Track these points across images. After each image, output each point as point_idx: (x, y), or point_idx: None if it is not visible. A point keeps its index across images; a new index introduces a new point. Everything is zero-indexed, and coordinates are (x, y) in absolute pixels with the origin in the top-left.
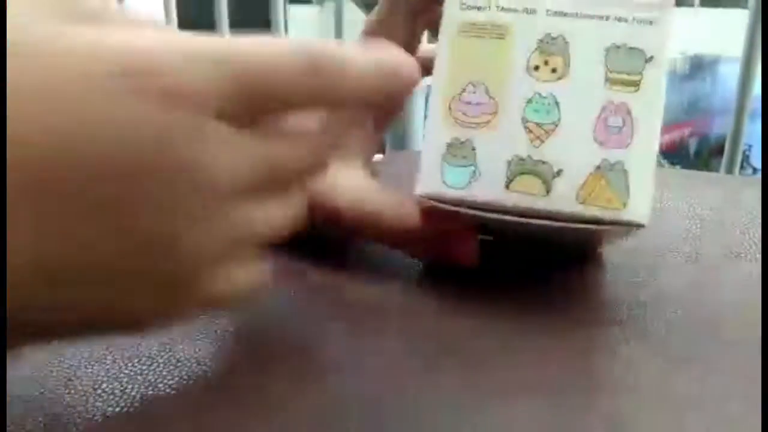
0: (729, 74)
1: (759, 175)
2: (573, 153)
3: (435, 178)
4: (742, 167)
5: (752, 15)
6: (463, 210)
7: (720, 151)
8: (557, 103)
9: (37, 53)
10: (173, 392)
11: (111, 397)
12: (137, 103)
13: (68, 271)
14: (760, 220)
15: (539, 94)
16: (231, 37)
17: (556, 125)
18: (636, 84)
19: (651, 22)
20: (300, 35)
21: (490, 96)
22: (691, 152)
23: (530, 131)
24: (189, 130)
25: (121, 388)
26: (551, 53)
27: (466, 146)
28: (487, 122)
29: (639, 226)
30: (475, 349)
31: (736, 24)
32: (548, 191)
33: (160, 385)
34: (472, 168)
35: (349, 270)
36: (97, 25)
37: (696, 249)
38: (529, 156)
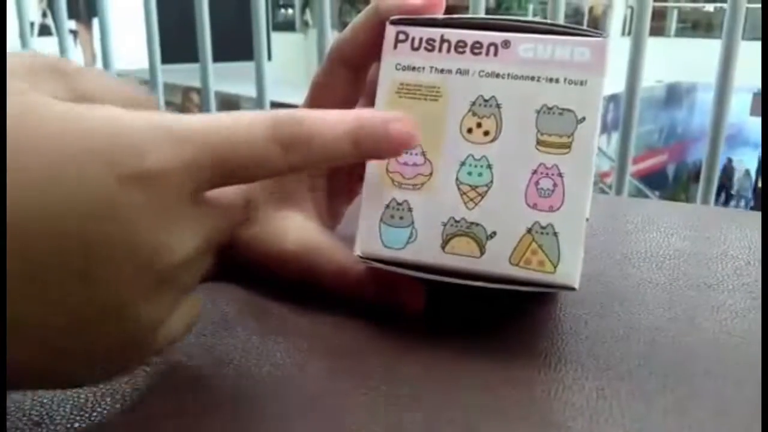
0: (706, 100)
1: (733, 207)
2: (505, 216)
3: (374, 239)
4: (719, 194)
5: (724, 45)
6: (401, 270)
7: (698, 175)
8: (490, 166)
9: (35, 133)
10: None
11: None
12: (119, 185)
13: (41, 327)
14: (732, 252)
15: (472, 157)
16: (202, 114)
17: (489, 188)
18: (567, 146)
19: (582, 83)
20: (284, 63)
21: (426, 158)
22: (670, 177)
23: (464, 194)
24: (160, 210)
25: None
26: (484, 115)
27: (403, 207)
28: (423, 184)
29: (570, 288)
30: (430, 385)
31: (712, 53)
32: (482, 253)
33: None
34: (410, 229)
35: (298, 309)
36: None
37: (670, 280)
38: (463, 218)
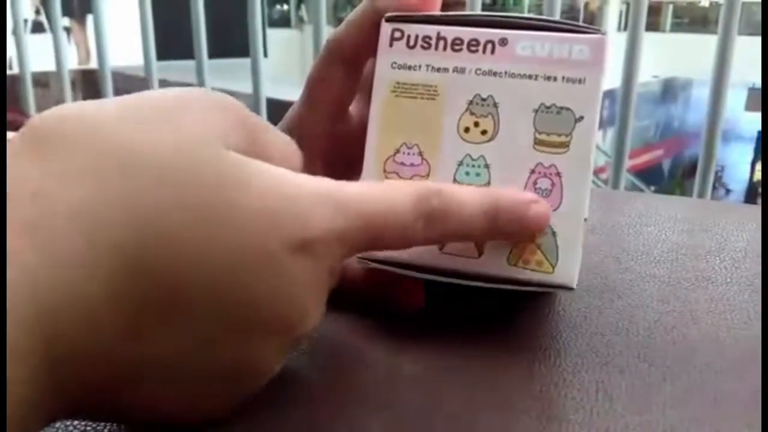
0: (702, 96)
1: (730, 200)
2: None
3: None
4: (714, 188)
5: (720, 40)
6: (399, 270)
7: (693, 170)
8: (487, 165)
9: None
10: None
11: None
12: (282, 249)
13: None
14: (730, 245)
15: (470, 156)
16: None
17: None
18: (565, 145)
19: (581, 81)
20: (279, 58)
21: (423, 157)
22: (665, 172)
23: None
24: (314, 277)
25: None
26: (481, 114)
27: None
28: None
29: (568, 288)
30: (430, 382)
31: (707, 48)
32: (480, 253)
33: None
34: None
35: None
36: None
37: (668, 273)
38: None
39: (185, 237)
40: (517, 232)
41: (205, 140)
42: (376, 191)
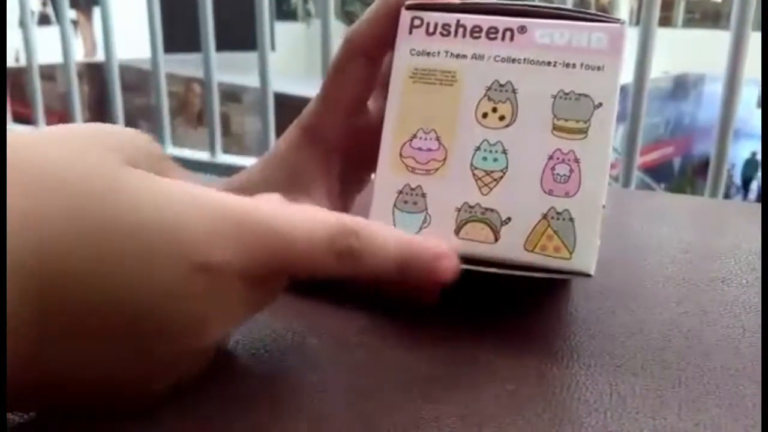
0: (713, 93)
1: (743, 201)
2: (520, 201)
3: (387, 225)
4: (725, 186)
5: (733, 36)
6: None
7: (704, 168)
8: (505, 151)
9: (120, 213)
10: None
11: None
12: (189, 271)
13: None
14: (745, 246)
15: (488, 142)
16: (269, 203)
17: (504, 173)
18: (584, 131)
19: (599, 68)
20: (287, 52)
21: (440, 142)
22: (676, 170)
23: (479, 179)
24: (218, 295)
25: None
26: (499, 100)
27: (416, 192)
28: (437, 169)
29: (585, 275)
30: (437, 382)
31: (720, 44)
32: (497, 239)
33: None
34: (423, 215)
35: (307, 301)
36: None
37: (682, 274)
38: (477, 203)
39: (85, 255)
40: (423, 282)
41: (111, 160)
42: (295, 220)
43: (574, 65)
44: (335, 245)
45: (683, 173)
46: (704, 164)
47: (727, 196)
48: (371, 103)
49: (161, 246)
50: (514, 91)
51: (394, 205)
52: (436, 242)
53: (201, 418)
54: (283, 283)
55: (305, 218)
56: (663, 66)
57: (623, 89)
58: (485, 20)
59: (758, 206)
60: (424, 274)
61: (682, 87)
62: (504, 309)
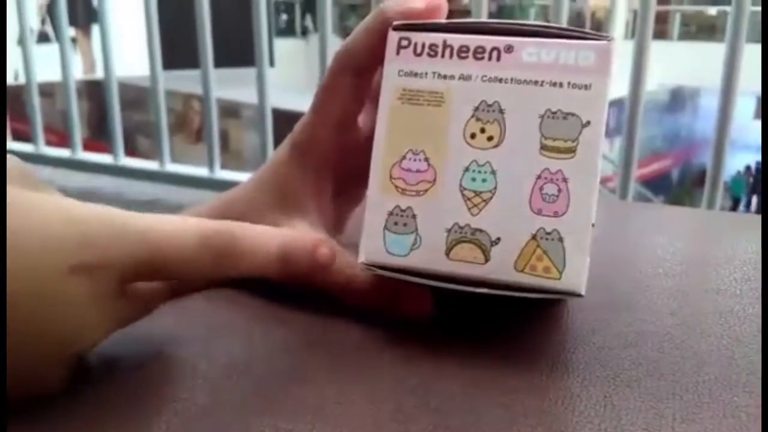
0: (709, 105)
1: (739, 212)
2: (509, 221)
3: (378, 246)
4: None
5: (729, 49)
6: (405, 278)
7: (702, 179)
8: (494, 172)
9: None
10: None
11: None
12: (52, 275)
13: None
14: (740, 257)
15: (476, 162)
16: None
17: (493, 193)
18: (572, 150)
19: (587, 86)
20: (286, 68)
21: (429, 164)
22: (674, 181)
23: (468, 199)
24: (94, 298)
25: None
26: (487, 120)
27: (407, 214)
28: (427, 190)
29: (575, 295)
30: (438, 393)
31: (715, 56)
32: (487, 260)
33: None
34: (414, 236)
35: (304, 312)
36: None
37: (676, 285)
38: (467, 224)
39: None
40: (308, 272)
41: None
42: (167, 226)
43: (561, 84)
44: (209, 246)
45: (682, 185)
46: (702, 175)
47: (733, 208)
48: (362, 119)
49: (34, 250)
50: (501, 111)
51: (385, 227)
52: (314, 235)
53: None
54: (166, 288)
55: (176, 225)
56: (659, 78)
57: (620, 102)
58: (472, 40)
59: (752, 217)
60: (306, 261)
61: (678, 99)
62: (498, 321)
